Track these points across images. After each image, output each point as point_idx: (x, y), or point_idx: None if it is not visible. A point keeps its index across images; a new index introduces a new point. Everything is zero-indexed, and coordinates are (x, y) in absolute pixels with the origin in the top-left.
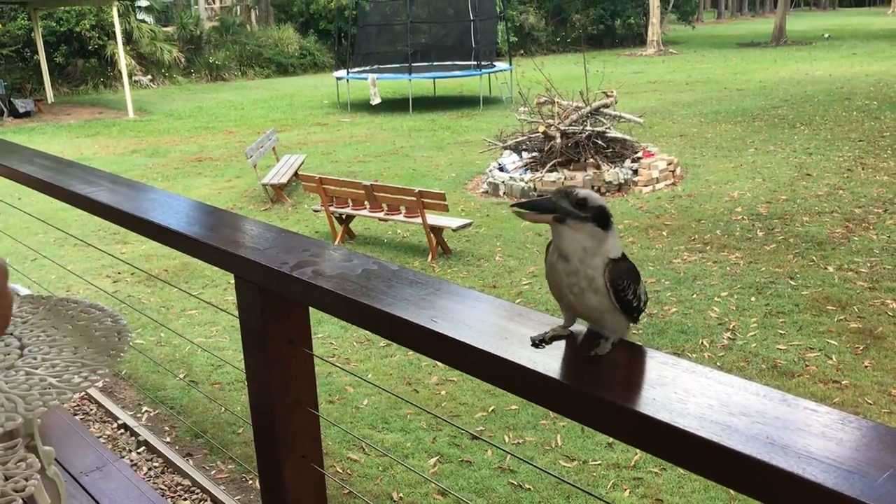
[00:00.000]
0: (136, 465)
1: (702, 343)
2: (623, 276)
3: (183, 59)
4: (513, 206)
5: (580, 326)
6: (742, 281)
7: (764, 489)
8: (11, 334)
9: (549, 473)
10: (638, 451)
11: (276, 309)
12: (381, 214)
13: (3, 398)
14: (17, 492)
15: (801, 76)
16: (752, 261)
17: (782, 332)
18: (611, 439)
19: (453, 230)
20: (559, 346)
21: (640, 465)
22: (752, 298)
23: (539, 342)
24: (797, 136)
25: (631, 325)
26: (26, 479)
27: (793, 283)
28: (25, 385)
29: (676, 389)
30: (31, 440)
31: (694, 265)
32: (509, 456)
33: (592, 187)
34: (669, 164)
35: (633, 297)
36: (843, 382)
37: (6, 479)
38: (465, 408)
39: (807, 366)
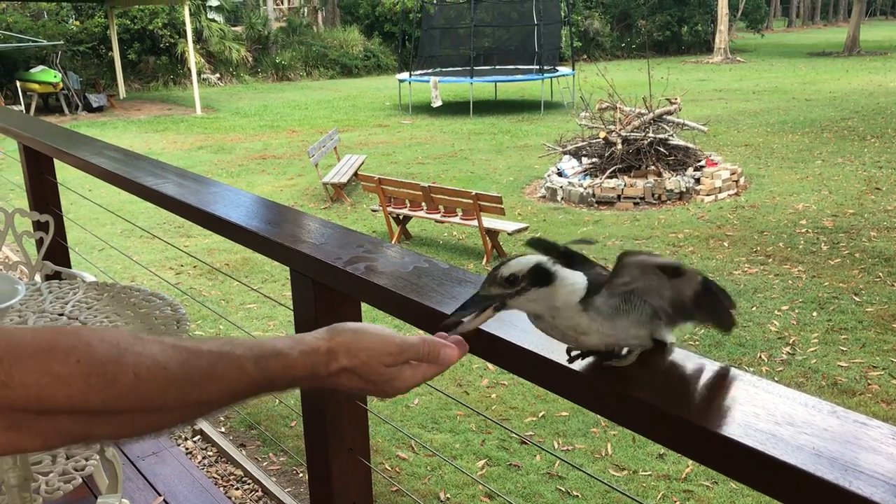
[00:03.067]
0: (190, 452)
1: (760, 357)
2: (609, 306)
3: (250, 59)
4: (441, 328)
5: None
6: (804, 295)
7: (808, 501)
8: (77, 319)
9: (598, 480)
10: (690, 463)
11: (329, 302)
12: (437, 216)
13: None
14: (77, 471)
15: (873, 87)
16: (816, 275)
17: (844, 349)
18: (662, 450)
19: (509, 234)
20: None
21: (691, 478)
22: (814, 313)
23: (575, 356)
24: (867, 148)
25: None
26: (86, 459)
27: (857, 299)
28: None
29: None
30: None
31: (755, 277)
32: (558, 462)
33: (653, 195)
34: (733, 173)
35: (642, 302)
36: None
37: (68, 458)
38: (515, 412)
39: (869, 384)
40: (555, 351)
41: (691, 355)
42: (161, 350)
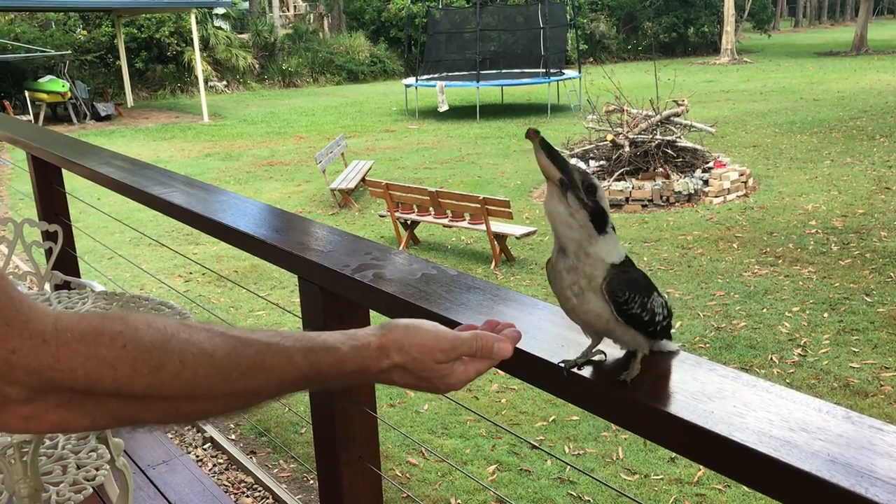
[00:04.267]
0: (201, 460)
1: (771, 359)
2: (623, 287)
3: (257, 66)
4: (536, 134)
5: (613, 349)
6: (815, 296)
7: None
8: None
9: (608, 486)
10: (702, 466)
11: (337, 310)
12: (445, 221)
13: None
14: (87, 480)
15: (882, 86)
16: (826, 276)
17: (856, 350)
18: (673, 454)
19: (517, 238)
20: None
21: (703, 482)
22: (825, 314)
23: (571, 367)
24: (876, 148)
25: (666, 341)
26: (97, 469)
27: (868, 299)
28: None
29: (736, 403)
30: (101, 432)
31: (765, 279)
32: (569, 467)
33: (661, 197)
34: (741, 174)
35: (643, 311)
36: None
37: (78, 467)
38: (526, 416)
39: (881, 385)
40: (563, 357)
41: (702, 360)
42: (208, 338)
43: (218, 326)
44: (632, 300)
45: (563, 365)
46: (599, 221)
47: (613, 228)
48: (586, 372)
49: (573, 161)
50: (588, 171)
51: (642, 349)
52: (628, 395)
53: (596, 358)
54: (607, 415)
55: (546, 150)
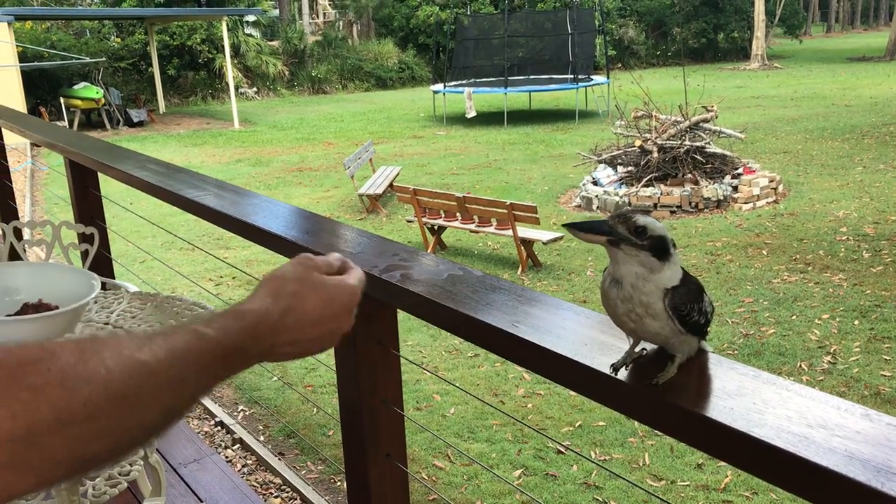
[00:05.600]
0: (230, 461)
1: (800, 366)
2: (685, 301)
3: (287, 73)
4: (566, 224)
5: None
6: (845, 303)
7: (841, 503)
8: (121, 328)
9: (636, 486)
10: (729, 473)
11: (365, 310)
12: (472, 226)
13: None
14: (122, 475)
15: None
16: (857, 283)
17: (887, 358)
18: (701, 460)
19: (544, 243)
20: None
21: (730, 488)
22: (856, 322)
23: (617, 368)
24: None
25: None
26: (131, 465)
27: None
28: None
29: (755, 400)
30: None
31: (794, 286)
32: (595, 472)
33: (690, 203)
34: (771, 181)
35: (700, 316)
36: None
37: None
38: (552, 422)
39: None
40: (587, 355)
41: (721, 359)
42: (121, 343)
43: (133, 333)
44: (692, 311)
45: (611, 371)
46: (662, 251)
47: (675, 246)
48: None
49: (600, 169)
50: (628, 210)
51: (690, 353)
52: (648, 392)
53: (638, 355)
54: (631, 412)
55: (580, 228)
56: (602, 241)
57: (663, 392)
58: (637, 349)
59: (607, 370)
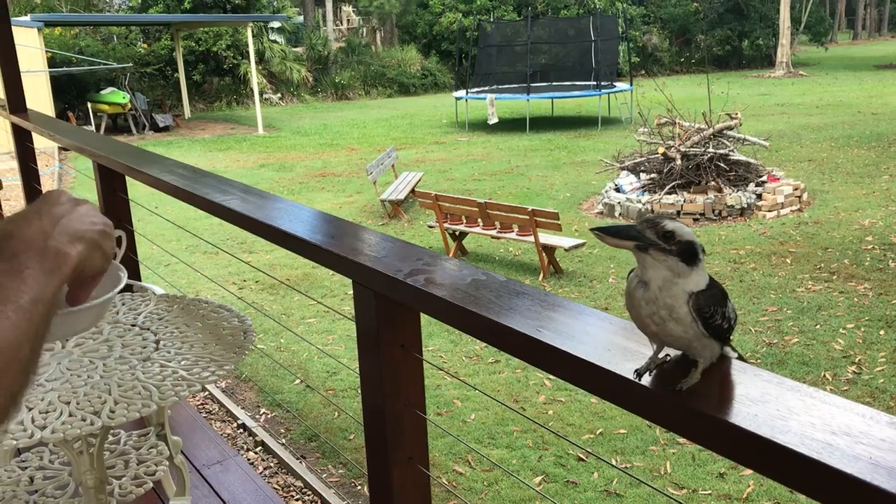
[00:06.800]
0: (252, 463)
1: (824, 376)
2: (709, 304)
3: (311, 79)
4: (593, 229)
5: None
6: (870, 313)
7: None
8: (148, 329)
9: (659, 491)
10: (751, 482)
11: (389, 314)
12: (493, 232)
13: (140, 387)
14: (147, 475)
15: None
16: (883, 292)
17: None
18: (723, 469)
19: (566, 250)
20: None
21: (752, 498)
22: (881, 332)
23: (641, 374)
24: None
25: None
26: (156, 465)
27: None
28: (160, 376)
29: (779, 407)
30: (161, 429)
31: (818, 295)
32: (616, 479)
33: (713, 210)
34: (796, 189)
35: (723, 320)
36: None
37: (139, 463)
38: (573, 429)
39: None
40: (610, 361)
41: (746, 366)
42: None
43: None
44: (716, 314)
45: (635, 377)
46: (690, 256)
47: (703, 251)
48: (648, 378)
49: (623, 176)
50: (655, 216)
51: (712, 359)
52: (672, 398)
53: (662, 361)
54: (655, 418)
55: (608, 233)
56: (630, 246)
57: (687, 398)
58: (660, 355)
59: (631, 375)
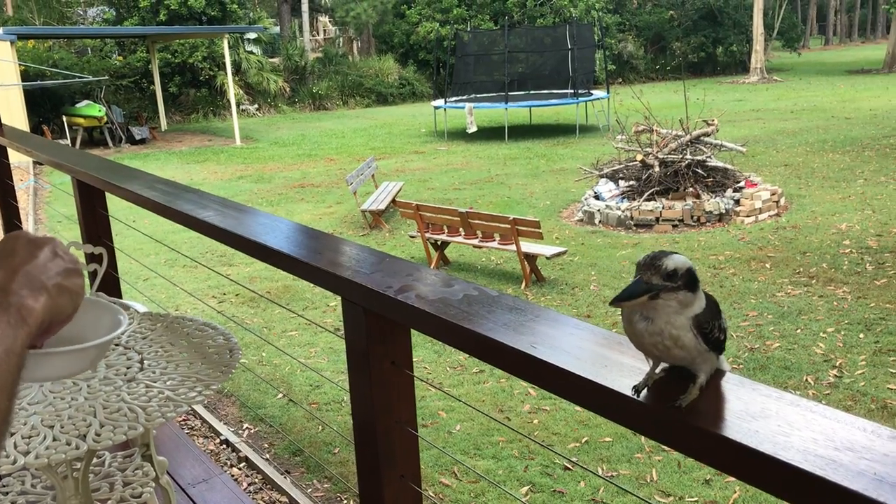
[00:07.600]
0: (236, 479)
1: (806, 380)
2: (707, 319)
3: (288, 89)
4: (612, 304)
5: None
6: (850, 316)
7: None
8: (132, 348)
9: (646, 501)
10: (737, 488)
11: (380, 330)
12: (475, 241)
13: (126, 408)
14: (133, 497)
15: None
16: (861, 296)
17: (893, 371)
18: (708, 476)
19: (547, 258)
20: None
21: (738, 503)
22: (861, 335)
23: (639, 391)
24: None
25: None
26: (142, 487)
27: None
28: (145, 397)
29: (780, 422)
30: (146, 450)
31: (798, 299)
32: (602, 488)
33: (692, 217)
34: (773, 194)
35: (720, 332)
36: None
37: (125, 485)
38: (558, 437)
39: None
40: (607, 377)
41: (744, 380)
42: None
43: None
44: (713, 327)
45: (633, 394)
46: (693, 284)
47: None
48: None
49: (602, 183)
50: (650, 260)
51: (710, 371)
52: (672, 415)
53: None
54: (652, 434)
55: (623, 299)
56: (646, 301)
57: (687, 414)
58: (657, 370)
59: (629, 392)
